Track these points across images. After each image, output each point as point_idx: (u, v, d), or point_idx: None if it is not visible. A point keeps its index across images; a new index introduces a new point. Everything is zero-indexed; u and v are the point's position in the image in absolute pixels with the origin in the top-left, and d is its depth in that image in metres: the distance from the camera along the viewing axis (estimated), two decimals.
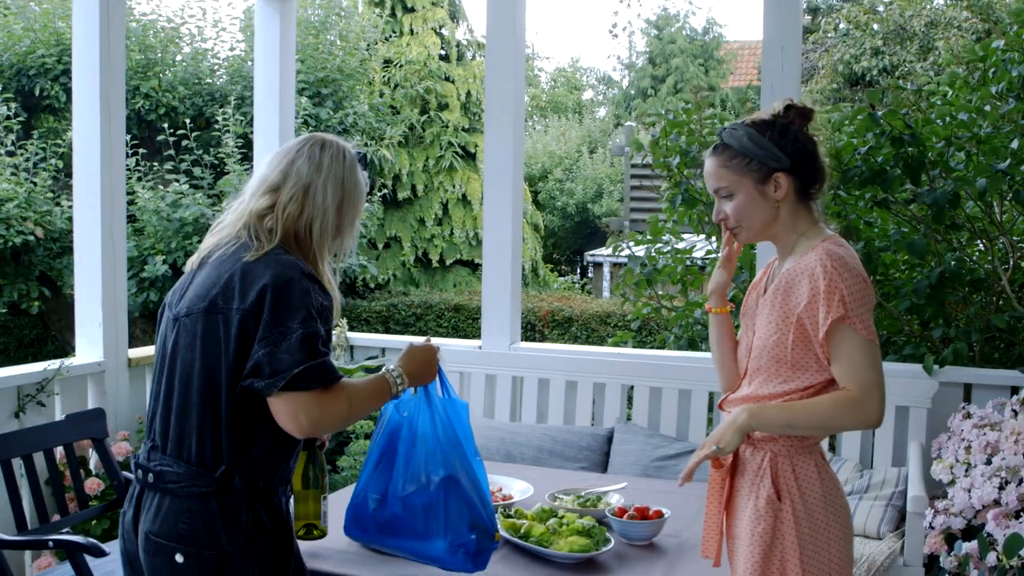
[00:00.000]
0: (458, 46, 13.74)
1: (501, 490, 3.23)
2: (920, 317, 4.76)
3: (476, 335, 11.09)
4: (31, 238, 8.42)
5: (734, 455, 2.33)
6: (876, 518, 3.90)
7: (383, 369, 2.29)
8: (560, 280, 15.61)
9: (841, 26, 12.33)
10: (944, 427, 4.10)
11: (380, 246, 12.81)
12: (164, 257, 9.02)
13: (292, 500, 2.39)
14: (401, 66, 12.71)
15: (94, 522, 3.90)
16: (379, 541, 2.52)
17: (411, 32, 13.17)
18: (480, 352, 4.99)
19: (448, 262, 13.07)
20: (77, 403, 4.14)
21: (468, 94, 13.23)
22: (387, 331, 10.92)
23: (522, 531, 2.76)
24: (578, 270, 18.61)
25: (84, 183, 4.23)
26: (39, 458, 3.43)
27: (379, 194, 11.05)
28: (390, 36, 12.95)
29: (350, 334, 5.34)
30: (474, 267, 13.40)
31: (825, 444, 4.30)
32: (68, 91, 9.30)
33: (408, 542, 2.44)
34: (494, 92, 4.93)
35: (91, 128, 4.18)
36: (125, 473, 3.52)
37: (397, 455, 2.45)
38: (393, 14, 13.19)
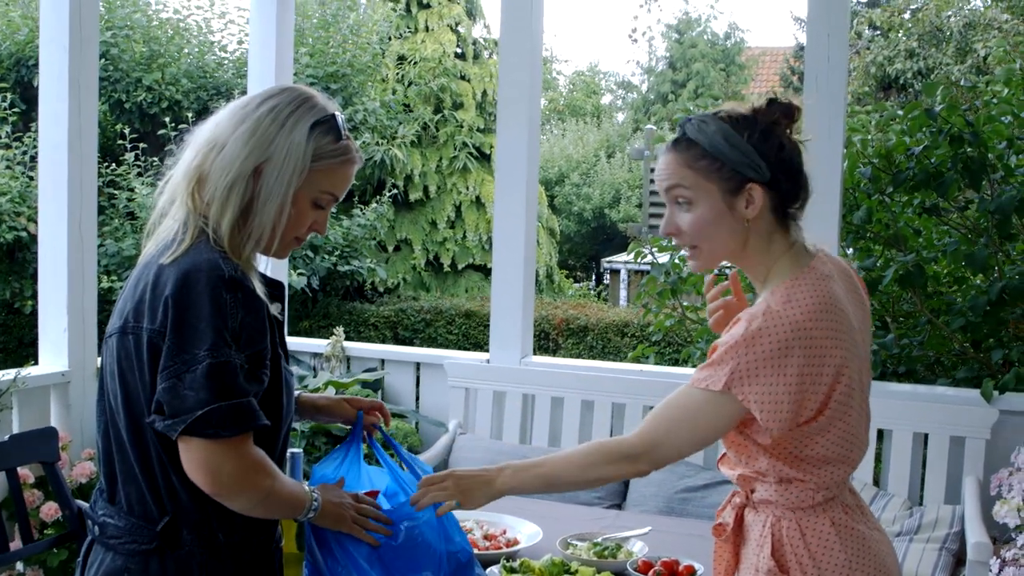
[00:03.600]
0: (474, 44, 13.35)
1: (505, 533, 2.80)
2: (975, 336, 4.31)
3: (487, 342, 10.74)
4: (24, 234, 8.10)
5: (738, 520, 1.88)
6: (929, 563, 3.46)
7: (310, 490, 1.84)
8: (575, 287, 15.22)
9: (867, 32, 11.88)
10: (1006, 461, 3.65)
11: (390, 249, 12.42)
12: None
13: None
14: (415, 63, 12.32)
15: (55, 550, 3.49)
16: None
17: (426, 29, 12.78)
18: (488, 366, 4.57)
19: (460, 266, 12.68)
20: (37, 417, 3.72)
21: (484, 93, 12.83)
22: (395, 337, 10.53)
23: None
24: (594, 277, 18.26)
25: (49, 174, 3.81)
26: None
27: (388, 195, 10.63)
28: (405, 33, 12.56)
29: (347, 344, 4.92)
30: (487, 272, 12.98)
31: (868, 477, 3.91)
32: None
33: None
34: (508, 91, 4.54)
35: (59, 113, 3.76)
36: (79, 502, 3.10)
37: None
38: (408, 10, 12.80)
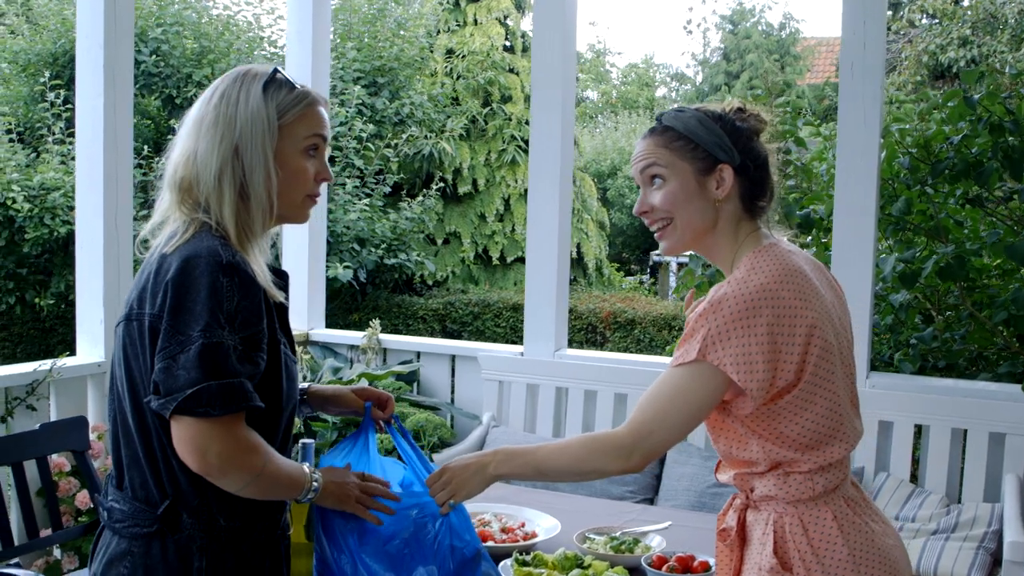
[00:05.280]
0: (523, 37, 13.30)
1: (524, 526, 2.78)
2: (1018, 330, 4.20)
3: None
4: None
5: (740, 523, 1.86)
6: (965, 562, 3.39)
7: (308, 469, 1.84)
8: (628, 280, 15.12)
9: (926, 21, 11.63)
10: None
11: (439, 242, 12.44)
12: None
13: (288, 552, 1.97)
14: (463, 57, 12.32)
15: (87, 537, 3.55)
16: None
17: (475, 22, 12.77)
18: (522, 359, 4.55)
19: (509, 259, 12.65)
20: (74, 407, 3.77)
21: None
22: (443, 330, 10.55)
23: None
24: (647, 270, 18.12)
25: (86, 169, 3.87)
26: (31, 466, 3.08)
27: (435, 188, 10.65)
28: (453, 26, 12.56)
29: (384, 336, 4.94)
30: None
31: (905, 473, 3.83)
32: None
33: None
34: (541, 81, 4.53)
35: (95, 108, 3.81)
36: None
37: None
38: (457, 4, 12.80)
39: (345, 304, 10.52)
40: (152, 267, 1.72)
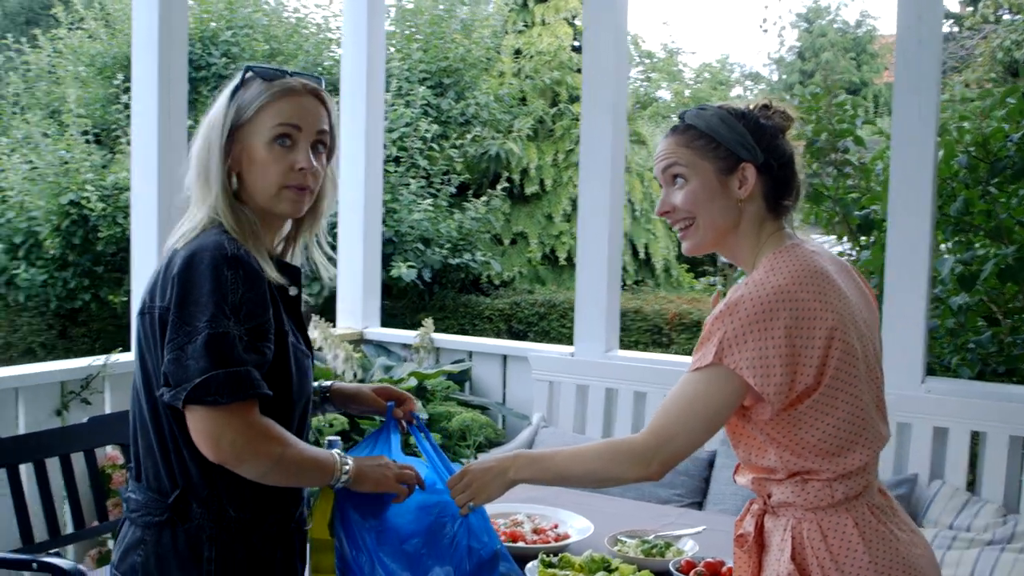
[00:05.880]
0: None
1: (556, 527, 2.76)
2: None
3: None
4: None
5: (758, 528, 1.82)
6: (1021, 574, 3.27)
7: (337, 455, 1.86)
8: (698, 282, 14.96)
9: (1006, 16, 11.28)
10: None
11: (506, 242, 12.46)
12: None
13: (308, 547, 2.00)
14: (531, 57, 12.32)
15: None
16: None
17: (542, 23, 12.76)
18: (572, 360, 4.53)
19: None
20: (127, 401, 3.84)
21: None
22: (509, 330, 10.56)
23: None
24: (719, 271, 17.92)
25: (140, 171, 3.95)
26: (79, 459, 3.15)
27: (500, 189, 10.66)
28: (520, 27, 12.57)
29: (436, 335, 4.96)
30: None
31: (961, 481, 3.72)
32: (193, 82, 9.27)
33: None
34: (592, 79, 4.50)
35: (148, 111, 3.89)
36: None
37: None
38: (524, 4, 12.81)
39: (412, 304, 10.59)
40: (164, 262, 1.77)
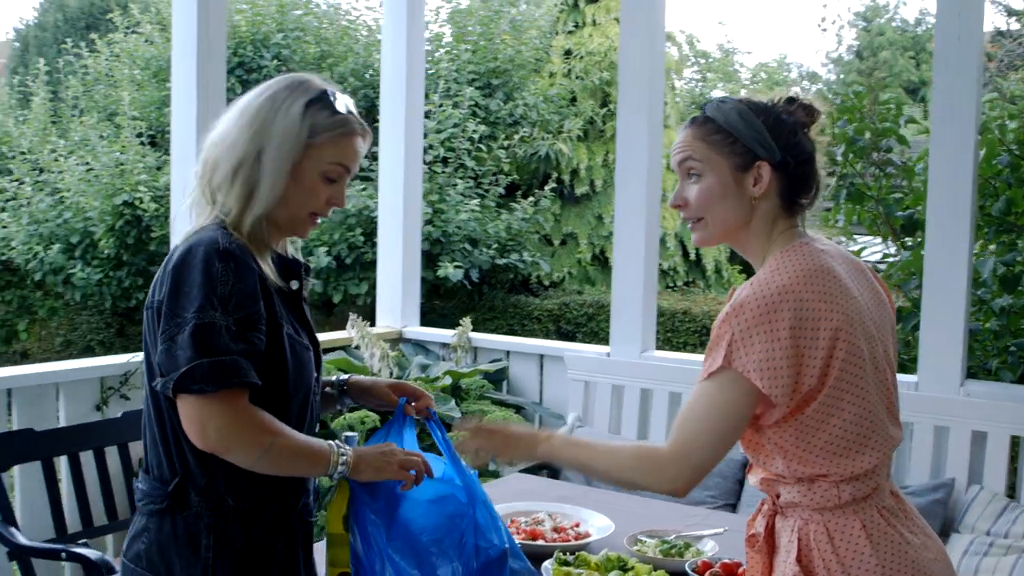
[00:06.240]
0: None
1: (578, 526, 2.76)
2: None
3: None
4: None
5: (768, 529, 1.80)
6: None
7: (334, 445, 1.87)
8: None
9: None
10: None
11: (556, 243, 12.44)
12: (328, 249, 8.98)
13: (325, 542, 2.03)
14: (581, 57, 12.29)
15: None
16: None
17: (592, 23, 12.72)
18: (608, 360, 4.53)
19: None
20: None
21: None
22: (558, 331, 10.55)
23: None
24: None
25: (180, 174, 4.02)
26: (112, 452, 3.23)
27: (548, 189, 10.66)
28: (570, 27, 12.54)
29: (474, 335, 4.97)
30: None
31: (1000, 486, 3.65)
32: (245, 84, 9.41)
33: None
34: (627, 78, 4.49)
35: (188, 115, 3.96)
36: None
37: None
38: (575, 4, 12.78)
39: (462, 304, 10.63)
40: (167, 257, 1.81)
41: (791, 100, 1.82)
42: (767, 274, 1.71)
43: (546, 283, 12.07)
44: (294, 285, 1.90)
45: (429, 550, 2.00)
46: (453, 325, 4.96)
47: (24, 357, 11.85)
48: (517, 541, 2.58)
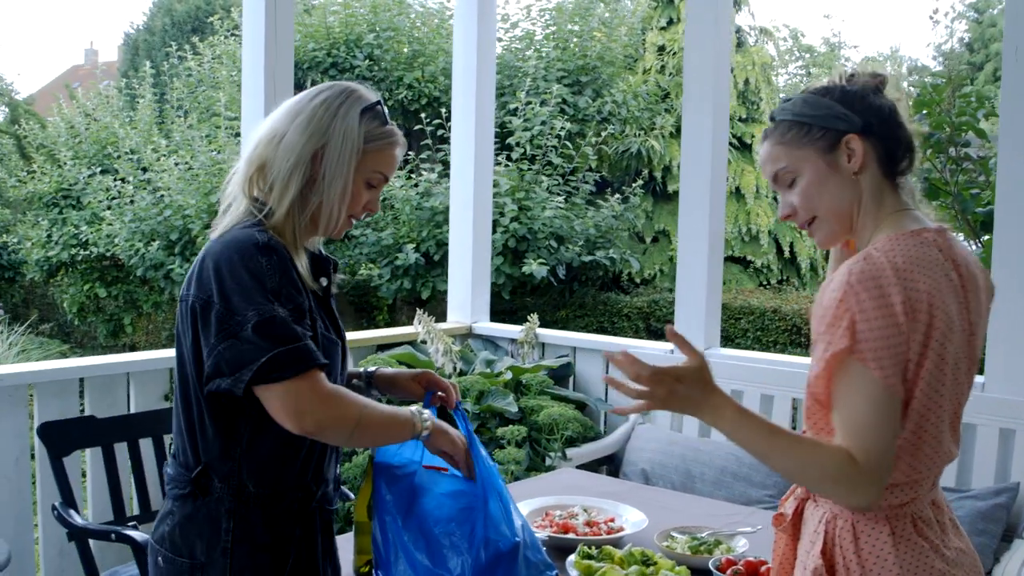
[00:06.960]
0: (738, 32, 13.04)
1: (612, 521, 2.77)
2: None
3: (739, 336, 10.46)
4: None
5: (797, 513, 1.76)
6: None
7: (414, 409, 1.96)
8: None
9: None
10: None
11: (647, 240, 12.39)
12: (415, 245, 9.11)
13: (353, 530, 2.11)
14: (674, 53, 12.21)
15: None
16: None
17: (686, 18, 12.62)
18: (671, 356, 4.49)
19: None
20: None
21: (746, 82, 12.51)
22: (647, 328, 10.50)
23: None
24: None
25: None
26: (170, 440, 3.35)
27: (636, 186, 10.60)
28: (662, 23, 12.46)
29: (541, 331, 4.99)
30: (745, 264, 12.65)
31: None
32: None
33: None
34: (692, 75, 4.47)
35: (255, 110, 4.09)
36: None
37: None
38: (670, 0, 12.70)
39: (553, 301, 10.66)
40: (201, 254, 1.86)
41: (852, 76, 1.75)
42: (880, 252, 1.60)
43: (637, 280, 12.02)
44: (323, 282, 1.96)
45: (441, 542, 2.03)
46: (544, 322, 4.95)
47: (132, 350, 12.30)
48: (548, 534, 2.62)
